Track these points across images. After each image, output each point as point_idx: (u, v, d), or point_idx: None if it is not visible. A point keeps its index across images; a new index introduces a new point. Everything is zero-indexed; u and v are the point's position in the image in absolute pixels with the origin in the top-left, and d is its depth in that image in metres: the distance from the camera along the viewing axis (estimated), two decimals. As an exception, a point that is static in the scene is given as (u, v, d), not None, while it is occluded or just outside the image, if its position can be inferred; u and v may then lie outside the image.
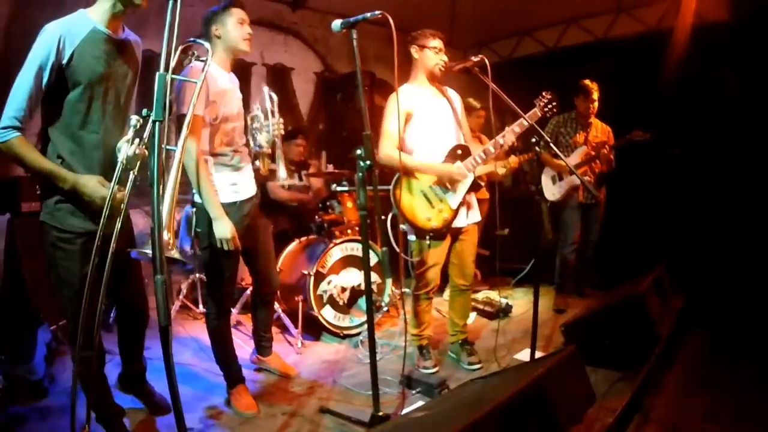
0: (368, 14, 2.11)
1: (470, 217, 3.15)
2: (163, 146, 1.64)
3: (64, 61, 1.85)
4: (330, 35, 2.05)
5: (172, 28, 1.56)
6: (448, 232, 3.07)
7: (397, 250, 2.68)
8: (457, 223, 3.08)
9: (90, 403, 1.87)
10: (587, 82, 4.32)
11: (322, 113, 6.12)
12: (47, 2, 3.50)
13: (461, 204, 3.03)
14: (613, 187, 4.62)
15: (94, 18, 1.95)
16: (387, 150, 2.94)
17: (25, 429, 2.44)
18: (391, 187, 3.01)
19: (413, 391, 2.86)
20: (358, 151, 2.08)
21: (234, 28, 2.51)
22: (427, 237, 3.00)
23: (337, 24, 2.14)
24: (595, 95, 4.29)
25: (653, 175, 5.12)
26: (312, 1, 5.60)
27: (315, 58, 6.05)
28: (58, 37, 1.83)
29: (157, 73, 1.56)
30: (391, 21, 2.04)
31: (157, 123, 1.56)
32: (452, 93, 3.24)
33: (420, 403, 2.65)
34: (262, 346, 3.19)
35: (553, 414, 1.67)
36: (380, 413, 2.18)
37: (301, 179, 4.60)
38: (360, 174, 2.11)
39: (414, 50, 3.07)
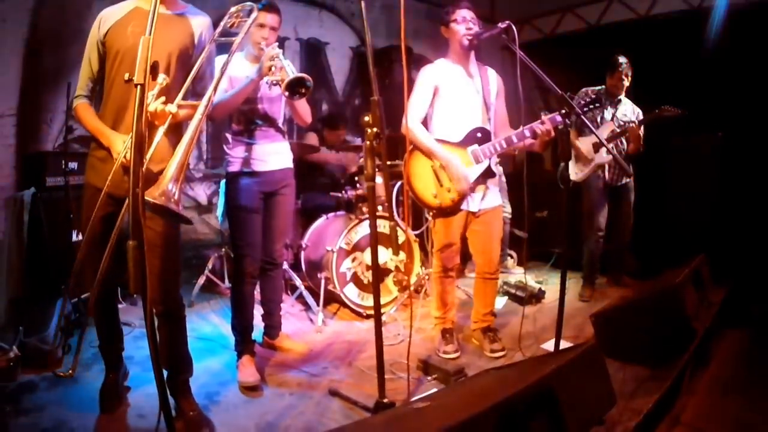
0: None
1: (486, 202, 2.99)
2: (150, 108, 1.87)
3: (103, 37, 2.08)
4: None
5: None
6: (453, 213, 2.93)
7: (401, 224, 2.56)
8: (470, 207, 2.93)
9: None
10: (618, 57, 3.98)
11: (358, 89, 5.98)
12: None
13: (472, 188, 2.89)
14: (654, 171, 4.34)
15: (142, 2, 2.11)
16: (409, 123, 2.84)
17: (33, 397, 2.45)
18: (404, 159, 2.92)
19: (429, 378, 2.75)
20: (366, 118, 1.98)
21: (253, 29, 2.56)
22: (430, 214, 2.91)
23: None
24: (626, 71, 3.96)
25: (695, 159, 4.75)
26: (349, -25, 5.42)
27: (351, 33, 5.89)
28: (99, 19, 2.11)
29: (141, 37, 1.53)
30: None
31: (138, 86, 1.51)
32: (491, 73, 3.08)
33: (433, 390, 2.52)
34: (268, 326, 3.14)
35: (562, 414, 1.50)
36: (385, 400, 2.07)
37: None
38: (368, 142, 1.99)
39: (443, 31, 3.00)
